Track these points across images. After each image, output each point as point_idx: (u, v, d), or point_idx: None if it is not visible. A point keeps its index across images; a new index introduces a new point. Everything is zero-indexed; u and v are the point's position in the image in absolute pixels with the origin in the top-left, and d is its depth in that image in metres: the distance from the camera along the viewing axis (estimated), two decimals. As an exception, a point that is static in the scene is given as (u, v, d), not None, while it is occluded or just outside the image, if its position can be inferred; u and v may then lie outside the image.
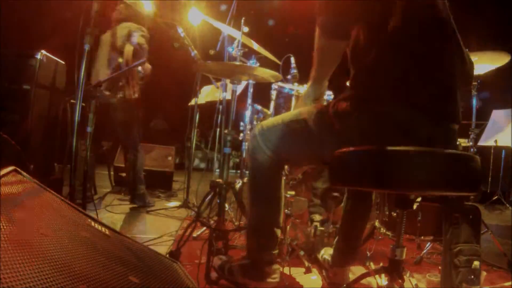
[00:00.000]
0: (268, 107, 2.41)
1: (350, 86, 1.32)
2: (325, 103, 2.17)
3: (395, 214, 2.23)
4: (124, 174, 4.26)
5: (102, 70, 3.15)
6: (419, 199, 1.32)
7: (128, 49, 3.00)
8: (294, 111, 1.54)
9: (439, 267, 1.96)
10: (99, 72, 3.16)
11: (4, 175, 1.04)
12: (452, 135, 1.30)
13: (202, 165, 9.53)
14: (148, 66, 3.33)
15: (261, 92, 2.78)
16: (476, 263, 1.53)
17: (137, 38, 3.10)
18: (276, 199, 1.54)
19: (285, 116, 1.51)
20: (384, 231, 2.32)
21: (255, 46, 2.53)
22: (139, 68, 3.19)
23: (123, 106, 3.16)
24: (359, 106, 1.26)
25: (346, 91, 1.32)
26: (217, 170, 3.86)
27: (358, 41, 1.29)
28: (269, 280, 1.54)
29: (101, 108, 3.04)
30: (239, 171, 3.00)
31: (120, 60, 3.04)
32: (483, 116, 4.76)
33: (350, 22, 1.27)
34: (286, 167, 2.11)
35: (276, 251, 1.56)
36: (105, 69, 3.16)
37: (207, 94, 4.03)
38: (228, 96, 2.77)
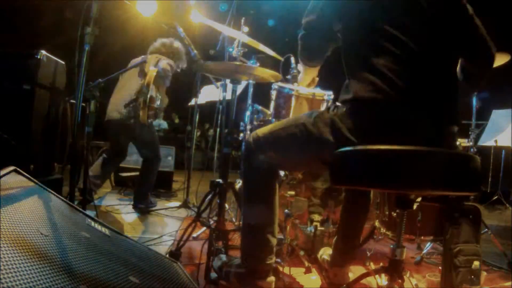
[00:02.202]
0: (268, 107, 2.41)
1: (347, 89, 1.32)
2: (325, 105, 2.18)
3: (395, 214, 2.23)
4: (126, 174, 4.28)
5: (125, 91, 3.21)
6: (419, 199, 1.32)
7: (151, 72, 3.06)
8: (291, 117, 1.55)
9: (439, 267, 1.96)
10: (122, 93, 3.24)
11: (4, 175, 1.04)
12: (451, 136, 1.30)
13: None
14: (165, 98, 3.37)
15: (261, 92, 2.78)
16: (476, 263, 1.53)
17: (162, 64, 3.18)
18: (269, 206, 1.52)
19: (282, 122, 1.51)
20: (384, 231, 2.32)
21: (256, 44, 2.52)
22: (157, 95, 3.22)
23: (141, 127, 3.20)
24: (358, 108, 1.26)
25: (344, 94, 1.33)
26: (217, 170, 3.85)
27: (353, 43, 1.29)
28: None
29: (119, 127, 3.18)
30: (239, 171, 3.00)
31: (142, 81, 3.09)
32: (483, 116, 4.76)
33: (327, 47, 1.46)
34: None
35: (272, 261, 1.53)
36: (127, 89, 3.21)
37: (207, 94, 4.03)
38: (228, 96, 2.77)
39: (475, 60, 1.42)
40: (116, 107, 3.20)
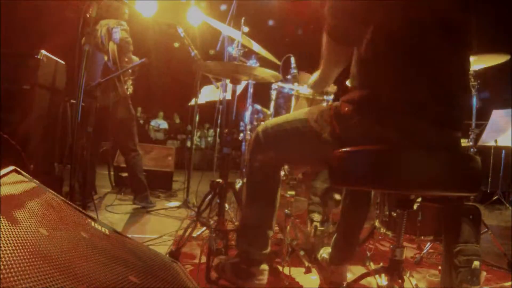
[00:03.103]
0: (268, 107, 2.41)
1: (351, 89, 1.32)
2: (325, 105, 2.18)
3: (395, 214, 2.23)
4: (125, 174, 4.27)
5: (94, 74, 3.16)
6: (419, 199, 1.32)
7: (112, 47, 2.98)
8: (297, 111, 1.55)
9: (439, 267, 1.96)
10: (93, 76, 3.16)
11: (4, 175, 1.04)
12: (455, 142, 1.29)
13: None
14: (135, 58, 3.30)
15: (261, 92, 2.78)
16: (476, 263, 1.52)
17: (118, 34, 3.05)
18: (271, 200, 1.55)
19: (289, 115, 1.53)
20: (384, 231, 2.32)
21: (255, 46, 2.53)
22: (125, 65, 3.17)
23: (118, 104, 3.16)
24: (361, 110, 1.26)
25: (348, 94, 1.32)
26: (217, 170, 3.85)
27: (362, 45, 1.28)
28: (255, 281, 1.53)
29: (99, 109, 3.03)
30: (239, 171, 3.01)
31: (106, 58, 3.04)
32: (483, 116, 4.76)
33: (360, 26, 1.24)
34: (285, 166, 2.11)
35: (266, 251, 1.55)
36: (96, 71, 3.17)
37: (207, 94, 4.03)
38: (228, 96, 2.77)
39: None
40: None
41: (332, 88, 2.15)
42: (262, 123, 1.65)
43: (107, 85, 3.03)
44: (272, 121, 1.55)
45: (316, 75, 1.59)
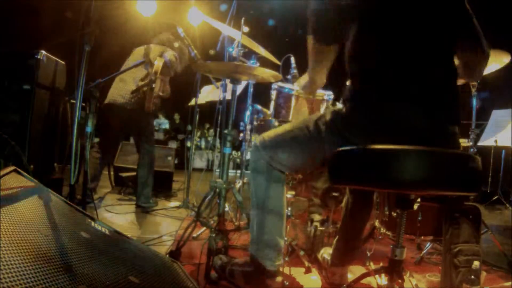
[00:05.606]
0: (268, 107, 2.41)
1: (348, 89, 1.33)
2: (325, 105, 2.18)
3: (395, 214, 2.23)
4: (126, 174, 4.28)
5: (130, 78, 3.25)
6: (419, 199, 1.32)
7: (159, 60, 3.09)
8: (295, 121, 1.58)
9: (439, 267, 1.96)
10: (126, 80, 3.25)
11: (4, 175, 1.04)
12: (453, 137, 1.30)
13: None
14: (168, 89, 3.41)
15: (261, 92, 2.78)
16: (476, 263, 1.52)
17: (169, 55, 3.23)
18: (277, 208, 1.55)
19: (287, 126, 1.55)
20: (384, 231, 2.32)
21: (255, 47, 2.52)
22: (160, 88, 3.28)
23: (144, 114, 3.26)
24: (359, 108, 1.26)
25: (345, 94, 1.33)
26: (217, 170, 3.85)
27: (355, 44, 1.29)
28: None
29: (122, 112, 3.20)
30: (239, 171, 3.01)
31: (150, 70, 3.15)
32: (483, 116, 4.77)
33: (342, 23, 1.27)
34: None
35: (279, 262, 1.56)
36: (132, 77, 3.25)
37: (207, 94, 4.03)
38: (228, 96, 2.77)
39: (469, 52, 1.42)
40: (120, 92, 3.22)
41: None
42: (258, 136, 1.66)
43: (137, 95, 3.17)
44: (269, 133, 1.57)
45: (303, 77, 1.62)
